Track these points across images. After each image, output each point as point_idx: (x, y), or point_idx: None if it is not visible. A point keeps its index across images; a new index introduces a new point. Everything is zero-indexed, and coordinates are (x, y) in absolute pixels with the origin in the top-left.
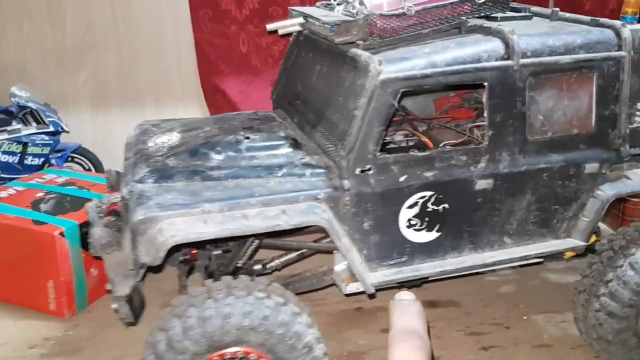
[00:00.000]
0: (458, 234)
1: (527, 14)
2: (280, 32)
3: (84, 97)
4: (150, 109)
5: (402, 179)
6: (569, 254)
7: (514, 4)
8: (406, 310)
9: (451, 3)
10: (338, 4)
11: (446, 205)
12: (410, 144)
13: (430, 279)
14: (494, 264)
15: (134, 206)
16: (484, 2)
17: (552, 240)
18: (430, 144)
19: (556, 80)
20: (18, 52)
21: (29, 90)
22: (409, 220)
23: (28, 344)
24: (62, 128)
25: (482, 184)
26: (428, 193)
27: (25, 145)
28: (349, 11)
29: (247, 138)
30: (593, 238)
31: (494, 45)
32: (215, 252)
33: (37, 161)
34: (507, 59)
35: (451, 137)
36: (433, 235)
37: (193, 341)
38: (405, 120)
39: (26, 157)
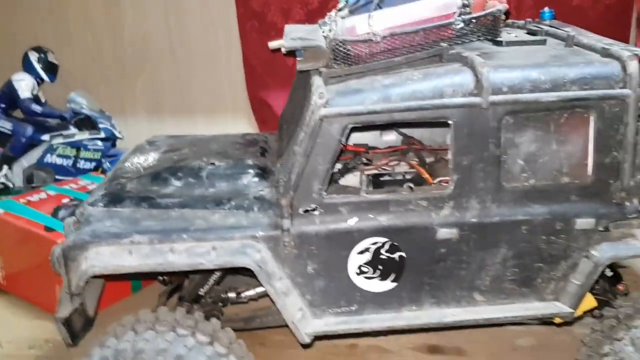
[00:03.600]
0: (417, 286)
1: (541, 37)
2: (284, 50)
3: (141, 105)
4: (202, 119)
5: (351, 222)
6: (558, 320)
7: (534, 25)
8: None
9: (424, 29)
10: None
11: (403, 254)
12: (408, 177)
13: None
14: (454, 323)
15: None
16: (463, 27)
17: (535, 301)
18: (430, 180)
19: (541, 120)
20: (82, 62)
21: (86, 97)
22: (360, 267)
23: (29, 343)
24: (113, 134)
25: (445, 234)
26: (381, 239)
27: (78, 149)
28: (327, 33)
29: (212, 164)
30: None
31: (463, 78)
32: (191, 277)
33: (89, 165)
34: (476, 94)
35: None
36: (387, 285)
37: None
38: (411, 150)
39: (79, 160)
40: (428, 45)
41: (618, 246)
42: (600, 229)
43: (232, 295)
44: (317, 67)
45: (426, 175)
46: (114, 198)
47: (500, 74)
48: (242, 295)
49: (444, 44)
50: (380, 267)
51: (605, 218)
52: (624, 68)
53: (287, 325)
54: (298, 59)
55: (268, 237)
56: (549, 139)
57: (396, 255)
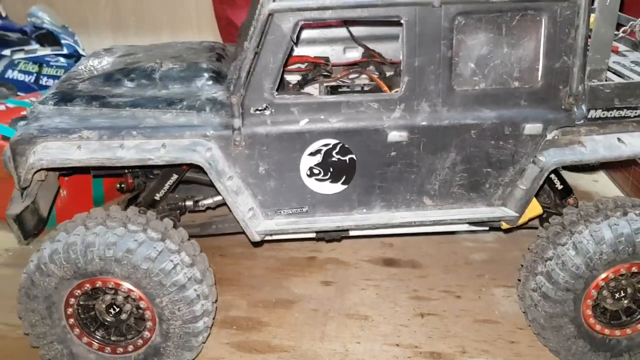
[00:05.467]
0: (367, 188)
1: None
2: None
3: (105, 22)
4: (167, 38)
5: (302, 123)
6: (505, 225)
7: None
8: None
9: None
10: None
11: (353, 156)
12: (367, 89)
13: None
14: (402, 224)
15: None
16: None
17: (482, 207)
18: (388, 92)
19: (494, 22)
20: None
21: (48, 12)
22: (311, 168)
23: None
24: (77, 51)
25: (395, 136)
26: (332, 141)
27: (40, 65)
28: None
29: (160, 64)
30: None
31: None
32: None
33: (51, 82)
34: None
35: None
36: (338, 187)
37: (58, 265)
38: (371, 62)
39: (41, 77)
40: None
41: (564, 151)
42: (548, 134)
43: (189, 203)
44: None
45: (384, 88)
46: (65, 97)
47: None
48: (200, 203)
49: None
50: (331, 169)
51: (553, 124)
52: None
53: (243, 232)
54: None
55: (219, 136)
56: (501, 42)
57: (347, 158)
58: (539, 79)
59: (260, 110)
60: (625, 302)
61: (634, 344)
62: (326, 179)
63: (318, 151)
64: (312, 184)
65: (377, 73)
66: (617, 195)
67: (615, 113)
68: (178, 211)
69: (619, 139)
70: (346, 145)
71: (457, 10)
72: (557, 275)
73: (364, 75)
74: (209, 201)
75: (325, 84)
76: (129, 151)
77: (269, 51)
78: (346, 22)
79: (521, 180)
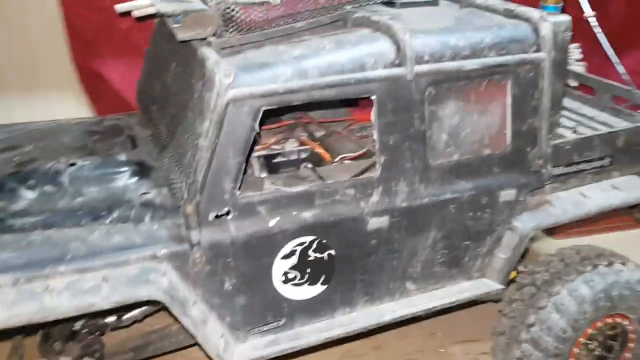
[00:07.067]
0: (349, 284)
1: None
2: (135, 14)
3: None
4: (19, 101)
5: (272, 222)
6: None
7: None
8: None
9: None
10: None
11: (332, 252)
12: (303, 155)
13: None
14: (393, 320)
15: None
16: None
17: (463, 281)
18: (327, 157)
19: (463, 89)
20: None
21: None
22: (286, 273)
23: None
24: None
25: (375, 223)
26: (308, 238)
27: None
28: None
29: (73, 165)
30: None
31: (382, 46)
32: None
33: None
34: (399, 65)
35: (354, 147)
36: (318, 289)
37: None
38: (299, 124)
39: None
40: (331, 8)
41: (538, 215)
42: (521, 199)
43: (110, 320)
44: (202, 36)
45: (325, 154)
46: None
47: (421, 41)
48: (124, 318)
49: (347, 7)
50: (308, 270)
51: (525, 188)
52: (535, 30)
53: (192, 346)
54: (175, 26)
55: (172, 254)
56: (470, 109)
57: (325, 254)
58: (508, 143)
59: (221, 215)
60: (598, 351)
61: None
62: (304, 282)
63: (292, 252)
64: (287, 290)
65: (305, 135)
66: (574, 245)
67: (574, 168)
68: (98, 333)
69: (582, 194)
70: (324, 241)
71: (429, 81)
72: (545, 342)
73: (291, 139)
74: (134, 313)
75: (257, 155)
76: (61, 296)
77: (228, 146)
78: None
79: (499, 248)
